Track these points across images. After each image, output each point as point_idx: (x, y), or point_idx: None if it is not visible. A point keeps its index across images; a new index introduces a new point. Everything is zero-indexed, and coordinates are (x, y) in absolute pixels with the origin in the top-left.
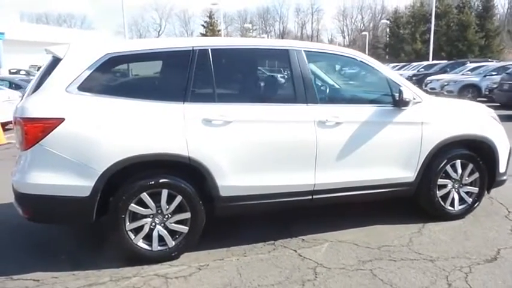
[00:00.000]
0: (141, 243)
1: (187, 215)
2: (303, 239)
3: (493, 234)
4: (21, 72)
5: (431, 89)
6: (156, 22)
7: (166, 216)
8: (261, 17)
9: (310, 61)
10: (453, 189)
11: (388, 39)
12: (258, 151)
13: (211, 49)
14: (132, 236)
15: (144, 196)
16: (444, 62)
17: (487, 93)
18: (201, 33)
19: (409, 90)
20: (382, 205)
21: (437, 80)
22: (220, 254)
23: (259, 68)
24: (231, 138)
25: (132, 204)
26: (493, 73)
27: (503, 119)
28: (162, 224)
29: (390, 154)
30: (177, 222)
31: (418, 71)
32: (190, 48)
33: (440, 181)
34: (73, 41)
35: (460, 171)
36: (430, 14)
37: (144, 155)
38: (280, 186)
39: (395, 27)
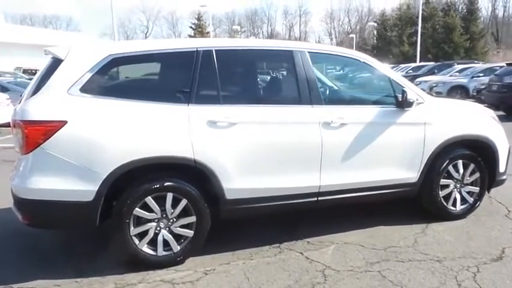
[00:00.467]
0: (146, 248)
1: (192, 219)
2: (308, 242)
3: (495, 233)
4: (7, 75)
5: None
6: (143, 24)
7: (171, 220)
8: (249, 18)
9: (313, 62)
10: (455, 189)
11: (375, 41)
12: (264, 153)
13: (215, 50)
14: (136, 241)
15: (149, 200)
16: (432, 63)
17: (474, 94)
18: (189, 35)
19: (412, 91)
20: (383, 206)
21: (426, 81)
22: (226, 258)
23: (263, 69)
24: (237, 140)
25: (137, 209)
26: (480, 74)
27: None
28: (167, 228)
29: (394, 155)
30: (182, 226)
31: (406, 72)
32: (194, 49)
33: (443, 181)
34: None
35: (461, 171)
36: (417, 17)
37: (149, 158)
38: (286, 188)
39: (383, 29)
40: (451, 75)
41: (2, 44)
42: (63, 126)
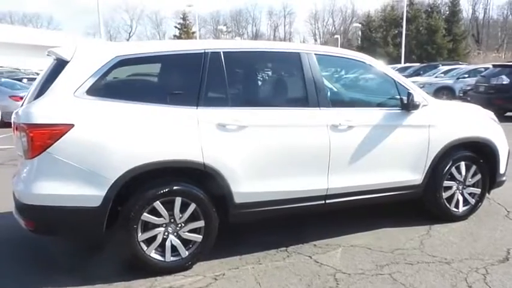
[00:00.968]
0: (154, 254)
1: (201, 223)
2: (315, 245)
3: (498, 234)
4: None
5: None
6: (127, 23)
7: (180, 225)
8: (234, 19)
9: (320, 64)
10: (458, 191)
11: (360, 42)
12: (272, 156)
13: (223, 52)
14: (144, 247)
15: (158, 205)
16: (417, 64)
17: (461, 95)
18: (174, 35)
19: (418, 94)
20: (386, 208)
21: (412, 82)
22: (234, 263)
23: (270, 71)
24: (245, 143)
25: (145, 214)
26: (465, 76)
27: None
28: (175, 234)
29: (400, 157)
30: (191, 231)
31: None
32: (202, 51)
33: (446, 183)
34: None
35: (464, 172)
36: (401, 18)
37: (158, 161)
38: (294, 191)
39: (368, 30)
40: (436, 77)
41: None
42: (70, 129)
